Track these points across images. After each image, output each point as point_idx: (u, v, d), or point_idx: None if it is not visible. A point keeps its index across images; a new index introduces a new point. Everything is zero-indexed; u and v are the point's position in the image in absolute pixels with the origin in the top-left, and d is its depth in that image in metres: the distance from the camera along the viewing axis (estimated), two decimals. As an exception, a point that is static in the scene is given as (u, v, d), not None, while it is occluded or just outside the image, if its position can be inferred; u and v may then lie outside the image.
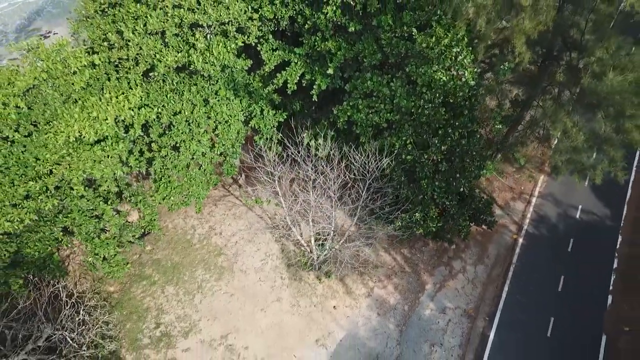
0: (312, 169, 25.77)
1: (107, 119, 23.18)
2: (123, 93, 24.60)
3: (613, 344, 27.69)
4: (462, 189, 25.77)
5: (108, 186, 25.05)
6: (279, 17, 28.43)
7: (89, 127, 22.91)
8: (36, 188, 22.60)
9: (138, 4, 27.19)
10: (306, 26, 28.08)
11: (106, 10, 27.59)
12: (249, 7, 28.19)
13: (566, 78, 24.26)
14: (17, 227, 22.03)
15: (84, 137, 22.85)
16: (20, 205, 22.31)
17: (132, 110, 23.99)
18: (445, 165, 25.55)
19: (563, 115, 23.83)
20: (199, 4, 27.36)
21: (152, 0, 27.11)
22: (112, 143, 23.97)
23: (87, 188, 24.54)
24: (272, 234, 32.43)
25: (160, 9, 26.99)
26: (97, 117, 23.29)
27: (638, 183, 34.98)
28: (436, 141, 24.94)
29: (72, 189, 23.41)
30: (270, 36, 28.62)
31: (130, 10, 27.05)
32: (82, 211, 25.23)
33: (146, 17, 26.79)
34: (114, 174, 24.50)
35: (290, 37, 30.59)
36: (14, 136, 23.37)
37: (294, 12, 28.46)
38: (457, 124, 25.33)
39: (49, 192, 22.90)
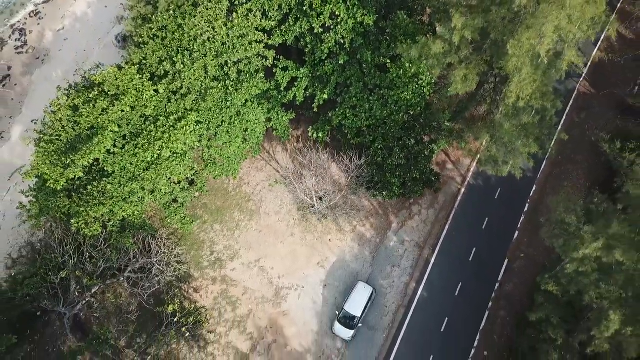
0: (315, 160, 37.96)
1: (177, 139, 34.53)
2: (184, 116, 35.45)
3: (511, 265, 42.35)
4: (415, 176, 38.08)
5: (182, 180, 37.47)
6: (287, 38, 37.74)
7: (165, 147, 34.36)
8: (136, 187, 34.93)
9: (180, 30, 36.48)
10: (307, 50, 37.61)
11: (156, 33, 36.80)
12: (265, 34, 37.39)
13: (489, 107, 35.09)
14: (129, 216, 35.01)
15: (162, 155, 34.44)
16: (128, 200, 34.88)
17: (192, 133, 35.11)
18: (404, 160, 37.53)
19: (485, 132, 35.15)
20: (229, 36, 36.59)
21: (193, 32, 36.25)
22: (180, 156, 35.55)
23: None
24: (287, 186, 45.22)
25: (200, 39, 36.26)
26: (169, 138, 34.58)
27: (558, 141, 46.67)
28: (397, 150, 36.63)
29: (160, 188, 35.70)
30: (282, 57, 38.13)
31: (176, 36, 36.45)
32: (162, 190, 37.83)
33: (189, 46, 36.26)
34: (187, 177, 36.57)
35: (295, 51, 40.01)
36: (113, 150, 35.01)
37: (299, 33, 37.64)
38: (413, 134, 36.77)
39: (145, 190, 35.28)
